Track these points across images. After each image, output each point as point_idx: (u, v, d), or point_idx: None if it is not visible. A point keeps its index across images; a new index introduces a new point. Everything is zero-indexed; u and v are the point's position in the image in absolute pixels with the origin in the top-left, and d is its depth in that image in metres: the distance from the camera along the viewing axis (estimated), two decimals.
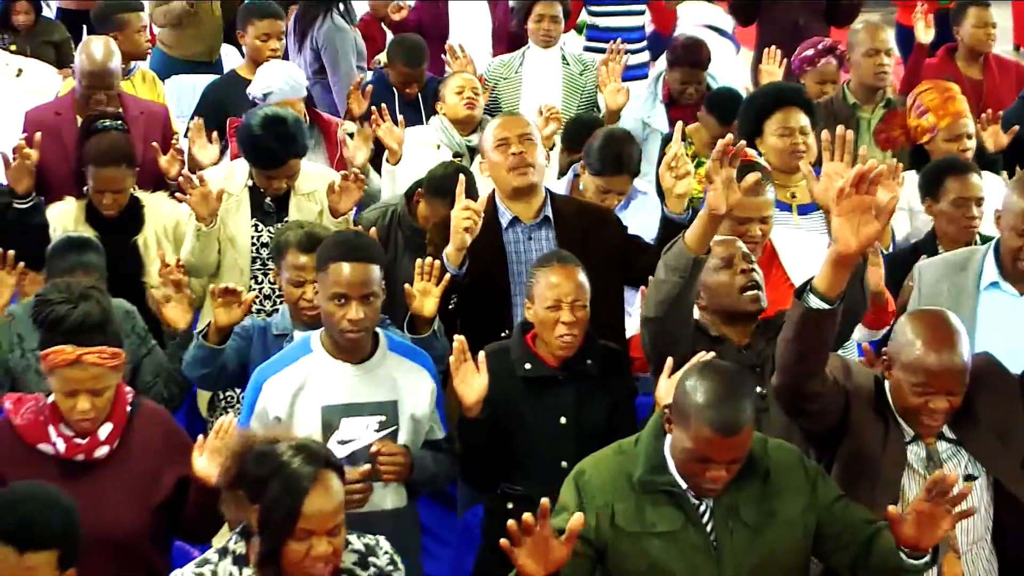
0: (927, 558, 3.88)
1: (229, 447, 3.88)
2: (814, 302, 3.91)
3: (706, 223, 4.53)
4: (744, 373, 4.22)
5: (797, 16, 8.58)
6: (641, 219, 6.08)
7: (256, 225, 6.07)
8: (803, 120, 6.00)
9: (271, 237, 5.90)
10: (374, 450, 4.58)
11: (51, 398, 4.34)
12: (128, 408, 4.38)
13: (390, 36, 9.13)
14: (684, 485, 3.90)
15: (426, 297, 5.02)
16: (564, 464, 4.53)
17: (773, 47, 7.67)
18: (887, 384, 4.19)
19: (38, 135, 6.15)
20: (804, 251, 5.38)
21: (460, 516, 5.41)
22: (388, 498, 4.66)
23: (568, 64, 7.87)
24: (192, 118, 7.23)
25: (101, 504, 4.23)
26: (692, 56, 7.71)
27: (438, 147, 7.06)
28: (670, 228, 5.13)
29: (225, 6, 9.00)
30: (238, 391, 5.47)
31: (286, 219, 5.97)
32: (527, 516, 3.59)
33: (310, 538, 3.61)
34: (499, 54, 8.61)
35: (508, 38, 9.04)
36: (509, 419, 4.76)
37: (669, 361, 4.51)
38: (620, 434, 4.24)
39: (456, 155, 6.99)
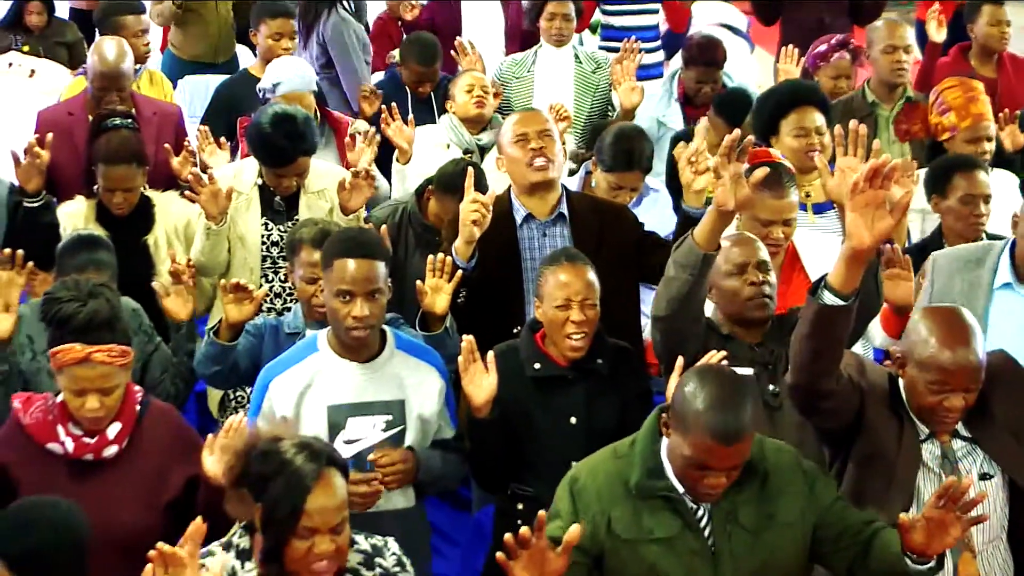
0: (932, 563, 3.84)
1: (234, 445, 3.86)
2: (828, 299, 3.88)
3: (715, 220, 4.50)
4: (744, 378, 4.20)
5: (820, 15, 8.56)
6: (653, 216, 6.09)
7: (266, 224, 6.05)
8: (819, 120, 5.97)
9: (281, 235, 5.91)
10: (371, 457, 4.56)
11: (60, 397, 4.33)
12: (137, 407, 4.37)
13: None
14: (681, 489, 3.87)
15: (437, 294, 4.99)
16: (574, 464, 4.49)
17: (791, 46, 7.65)
18: (901, 382, 4.16)
19: (50, 135, 6.14)
20: (820, 250, 5.34)
21: (473, 514, 5.40)
22: (394, 498, 4.64)
23: (581, 62, 7.85)
24: (202, 121, 7.24)
25: (110, 504, 4.22)
26: (708, 55, 7.69)
27: (448, 146, 7.05)
28: (689, 224, 5.08)
29: (239, 7, 8.98)
30: (248, 391, 5.44)
31: (296, 217, 5.96)
32: (524, 529, 3.55)
33: (313, 536, 3.59)
34: (512, 53, 8.59)
35: (521, 37, 9.04)
36: (518, 419, 4.74)
37: (679, 360, 4.47)
38: (631, 434, 4.19)
39: (466, 153, 6.97)
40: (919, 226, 6.27)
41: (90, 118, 6.56)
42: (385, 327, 4.68)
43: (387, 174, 6.77)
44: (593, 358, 4.80)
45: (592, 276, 4.78)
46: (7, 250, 5.17)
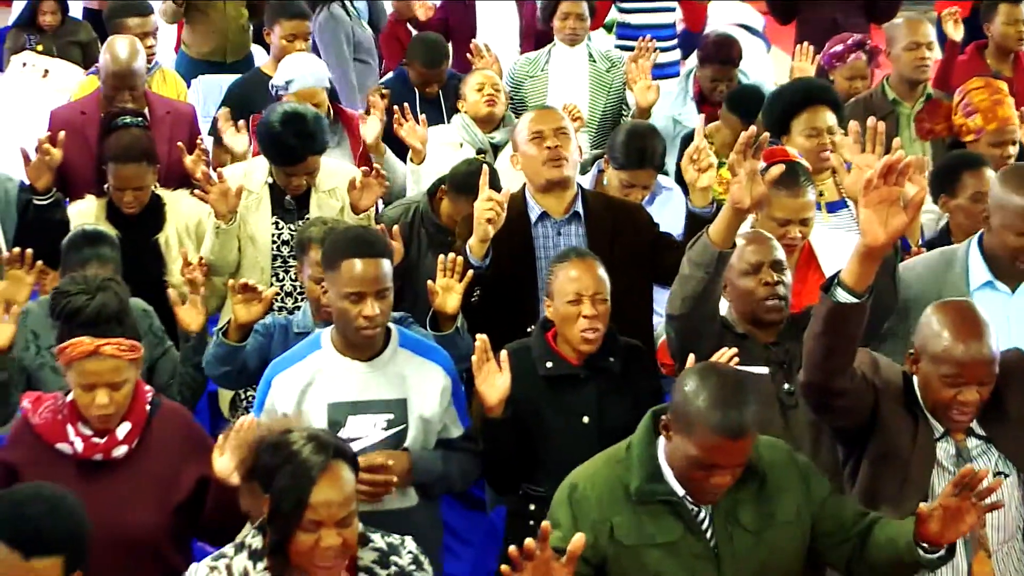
0: (942, 552, 3.81)
1: (247, 439, 3.83)
2: (842, 296, 3.85)
3: (730, 217, 4.48)
4: (744, 373, 4.18)
5: (836, 13, 8.54)
6: (666, 216, 6.05)
7: (277, 223, 6.03)
8: (831, 119, 5.95)
9: (292, 235, 5.89)
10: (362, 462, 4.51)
11: (70, 396, 4.31)
12: (147, 407, 4.35)
13: None
14: (681, 492, 3.83)
15: (448, 293, 4.97)
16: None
17: (806, 43, 7.62)
18: (915, 380, 4.13)
19: (62, 134, 6.14)
20: (834, 248, 5.31)
21: (488, 514, 5.38)
22: (387, 499, 4.56)
23: (595, 61, 7.83)
24: (212, 127, 7.24)
25: (119, 504, 4.21)
26: (723, 53, 7.68)
27: (460, 145, 7.04)
28: (695, 223, 5.09)
29: (254, 6, 8.97)
30: None
31: (307, 216, 5.94)
32: (529, 541, 3.51)
33: (319, 529, 3.55)
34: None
35: (536, 37, 9.02)
36: (530, 419, 4.72)
37: (691, 358, 4.45)
38: None
39: (479, 152, 6.97)
40: (936, 225, 6.23)
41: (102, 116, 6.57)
42: (390, 324, 4.65)
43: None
44: (605, 356, 4.78)
45: (602, 271, 4.76)
46: (16, 249, 5.17)
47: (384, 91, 7.30)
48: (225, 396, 5.94)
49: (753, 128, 4.55)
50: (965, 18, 7.95)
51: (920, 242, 5.81)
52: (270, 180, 6.07)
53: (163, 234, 6.12)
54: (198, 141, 6.77)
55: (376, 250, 4.53)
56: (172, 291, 5.40)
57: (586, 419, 4.75)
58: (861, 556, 3.89)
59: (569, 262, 4.77)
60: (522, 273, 5.36)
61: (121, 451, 4.28)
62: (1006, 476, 4.10)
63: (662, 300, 5.62)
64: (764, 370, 4.65)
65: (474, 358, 4.57)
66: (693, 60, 8.05)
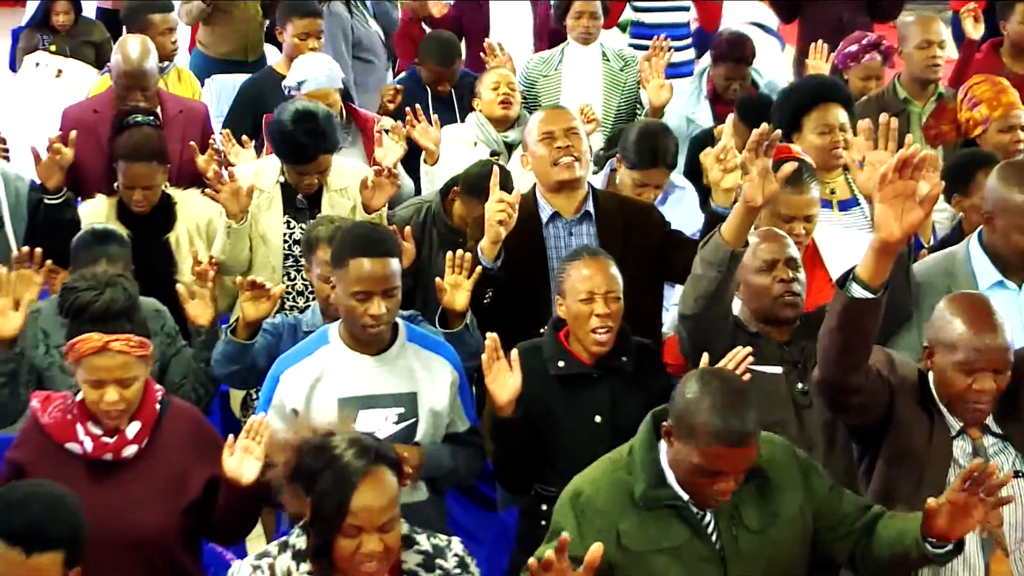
0: (950, 547, 3.79)
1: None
2: (857, 291, 3.83)
3: (742, 216, 4.47)
4: (747, 377, 4.20)
5: (840, 11, 8.52)
6: (679, 214, 6.04)
7: (288, 222, 6.02)
8: (842, 117, 5.92)
9: (303, 233, 5.85)
10: None
11: (79, 396, 4.29)
12: (157, 406, 4.32)
13: None
14: (686, 497, 3.82)
15: (457, 290, 4.96)
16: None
17: (820, 42, 7.59)
18: (931, 377, 4.10)
19: (73, 133, 6.13)
20: (846, 247, 5.29)
21: (500, 512, 5.36)
22: (401, 492, 4.54)
23: (608, 60, 7.81)
24: (224, 124, 7.23)
25: (129, 504, 4.19)
26: (737, 52, 7.66)
27: (475, 144, 7.04)
28: (717, 223, 5.03)
29: (267, 4, 8.97)
30: None
31: (319, 215, 5.91)
32: (549, 553, 3.50)
33: (360, 534, 3.52)
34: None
35: (549, 35, 9.00)
36: (542, 419, 4.69)
37: (705, 357, 4.44)
38: None
39: (494, 152, 6.96)
40: (949, 225, 6.21)
41: None
42: (397, 319, 4.63)
43: (411, 173, 6.73)
44: (618, 355, 4.75)
45: (614, 269, 4.74)
46: (25, 248, 5.16)
47: (398, 87, 7.30)
48: (237, 396, 5.92)
49: (765, 126, 4.53)
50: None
51: (932, 241, 5.79)
52: (282, 179, 6.06)
53: (173, 233, 6.11)
54: (210, 140, 6.76)
55: (384, 249, 4.51)
56: (181, 287, 5.38)
57: (598, 419, 4.72)
58: (866, 550, 3.88)
59: (581, 260, 4.75)
60: (534, 274, 5.33)
61: (131, 451, 4.25)
62: (1023, 475, 4.07)
63: (669, 298, 5.62)
64: (778, 369, 4.65)
65: (484, 357, 4.55)
66: (707, 59, 8.03)
